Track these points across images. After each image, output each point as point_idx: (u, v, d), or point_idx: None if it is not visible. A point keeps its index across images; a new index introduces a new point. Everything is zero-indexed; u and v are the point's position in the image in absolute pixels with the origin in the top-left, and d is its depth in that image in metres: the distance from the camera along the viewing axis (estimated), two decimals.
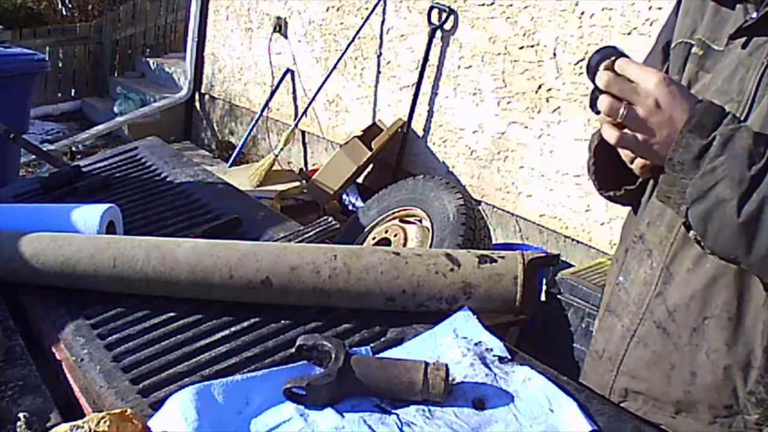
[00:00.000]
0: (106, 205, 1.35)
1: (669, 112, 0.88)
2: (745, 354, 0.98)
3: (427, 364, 0.91)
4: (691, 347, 1.02)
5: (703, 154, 0.86)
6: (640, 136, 0.91)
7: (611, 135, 0.94)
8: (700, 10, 1.08)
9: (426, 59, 3.79)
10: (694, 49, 1.05)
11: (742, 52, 0.98)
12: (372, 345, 1.03)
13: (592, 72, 0.94)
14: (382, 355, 0.99)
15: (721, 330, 0.98)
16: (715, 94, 1.01)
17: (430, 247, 2.77)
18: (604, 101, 0.92)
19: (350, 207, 4.01)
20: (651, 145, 0.91)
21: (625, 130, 0.92)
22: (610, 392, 1.12)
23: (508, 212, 3.54)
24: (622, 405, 1.10)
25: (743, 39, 0.98)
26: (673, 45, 1.12)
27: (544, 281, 2.70)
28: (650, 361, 1.07)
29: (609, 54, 0.93)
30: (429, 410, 0.89)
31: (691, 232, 0.92)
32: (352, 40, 4.15)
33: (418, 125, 3.93)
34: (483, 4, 3.54)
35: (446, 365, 0.91)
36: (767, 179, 0.84)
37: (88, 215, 1.32)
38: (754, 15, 0.97)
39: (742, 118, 0.96)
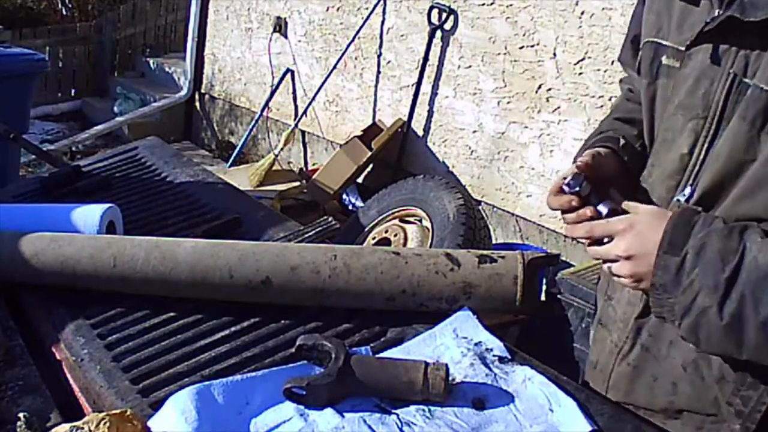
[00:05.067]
0: (106, 205, 1.35)
1: (643, 253, 0.91)
2: (717, 368, 0.98)
3: (427, 364, 0.91)
4: (670, 359, 1.03)
5: (681, 270, 0.87)
6: (630, 284, 0.95)
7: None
8: (667, 8, 1.03)
9: (426, 59, 3.79)
10: (670, 61, 1.00)
11: (704, 61, 0.94)
12: (372, 345, 1.03)
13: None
14: (382, 355, 0.99)
15: (692, 347, 0.97)
16: (678, 109, 0.97)
17: (430, 247, 2.77)
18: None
19: (350, 207, 4.00)
20: (642, 288, 0.95)
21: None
22: None
23: (508, 212, 3.53)
24: None
25: (703, 45, 0.94)
26: (642, 42, 1.08)
27: (544, 281, 2.70)
28: (633, 376, 1.08)
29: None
30: (429, 410, 0.89)
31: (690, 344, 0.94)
32: (352, 40, 4.15)
33: (418, 125, 3.92)
34: (483, 4, 3.54)
35: (446, 365, 0.91)
36: (741, 275, 0.84)
37: (88, 215, 1.32)
38: (716, 13, 0.91)
39: (709, 136, 0.93)
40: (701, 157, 0.95)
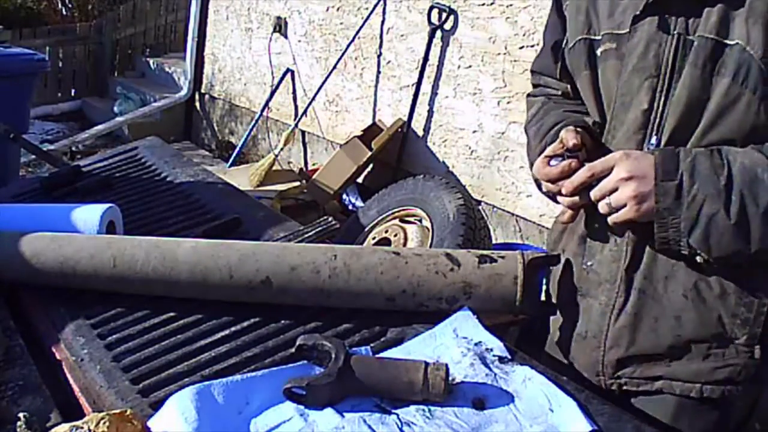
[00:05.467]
0: (106, 205, 1.35)
1: (642, 173, 1.01)
2: (718, 284, 1.06)
3: (427, 364, 0.91)
4: (668, 294, 1.09)
5: (680, 191, 0.99)
6: (632, 209, 1.02)
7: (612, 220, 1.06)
8: (593, 7, 1.14)
9: (426, 59, 3.79)
10: (606, 45, 1.11)
11: (650, 29, 1.05)
12: (372, 345, 1.03)
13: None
14: (382, 355, 0.99)
15: (690, 270, 1.06)
16: (632, 73, 1.08)
17: (430, 247, 2.77)
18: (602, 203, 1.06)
19: (350, 207, 4.00)
20: (645, 210, 1.02)
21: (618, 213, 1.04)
22: (602, 368, 1.17)
23: (508, 212, 3.53)
24: (617, 375, 1.16)
25: (647, 18, 1.05)
26: (570, 44, 1.18)
27: (544, 281, 2.69)
28: (634, 324, 1.13)
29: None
30: (429, 410, 0.90)
31: (698, 258, 1.03)
32: (352, 40, 4.15)
33: (418, 125, 3.92)
34: (483, 4, 3.54)
35: (446, 365, 0.91)
36: (735, 179, 0.98)
37: (88, 215, 1.32)
38: None
39: (664, 89, 1.04)
40: (661, 108, 1.06)
